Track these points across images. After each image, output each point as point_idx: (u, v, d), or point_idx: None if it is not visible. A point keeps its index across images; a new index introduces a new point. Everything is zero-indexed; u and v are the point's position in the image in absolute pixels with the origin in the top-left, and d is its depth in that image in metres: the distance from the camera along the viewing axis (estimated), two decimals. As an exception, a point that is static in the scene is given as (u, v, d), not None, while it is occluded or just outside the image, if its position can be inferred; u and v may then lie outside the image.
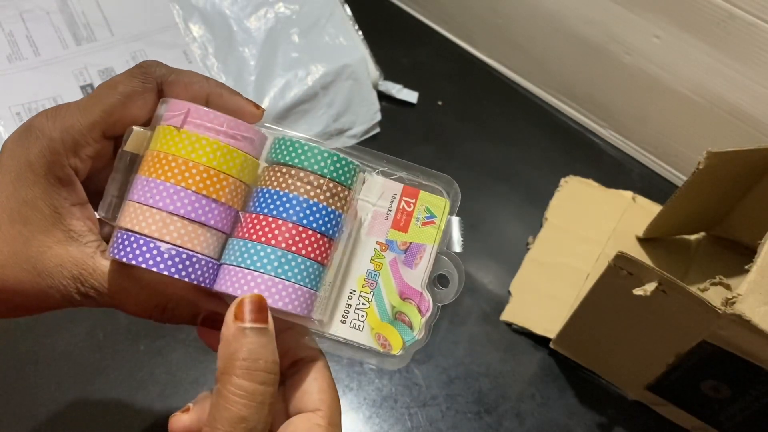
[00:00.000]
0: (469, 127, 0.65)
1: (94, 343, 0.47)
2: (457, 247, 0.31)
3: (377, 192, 0.31)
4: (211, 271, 0.27)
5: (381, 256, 0.30)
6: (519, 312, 0.53)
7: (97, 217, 0.28)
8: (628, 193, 0.60)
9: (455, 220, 0.31)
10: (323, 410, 0.28)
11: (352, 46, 0.62)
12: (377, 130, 0.63)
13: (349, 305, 0.30)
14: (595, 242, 0.57)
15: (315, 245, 0.28)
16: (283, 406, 0.29)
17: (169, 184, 0.26)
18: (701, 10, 0.54)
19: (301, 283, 0.27)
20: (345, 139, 0.61)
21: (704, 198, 0.51)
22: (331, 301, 0.30)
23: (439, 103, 0.67)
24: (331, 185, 0.28)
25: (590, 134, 0.67)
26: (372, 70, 0.63)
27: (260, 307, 0.26)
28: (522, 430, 0.48)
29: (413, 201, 0.31)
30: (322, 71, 0.59)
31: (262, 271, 0.27)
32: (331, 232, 0.28)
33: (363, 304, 0.30)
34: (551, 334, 0.51)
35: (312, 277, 0.28)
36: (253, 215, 0.28)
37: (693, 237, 0.58)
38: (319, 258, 0.28)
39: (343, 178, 0.28)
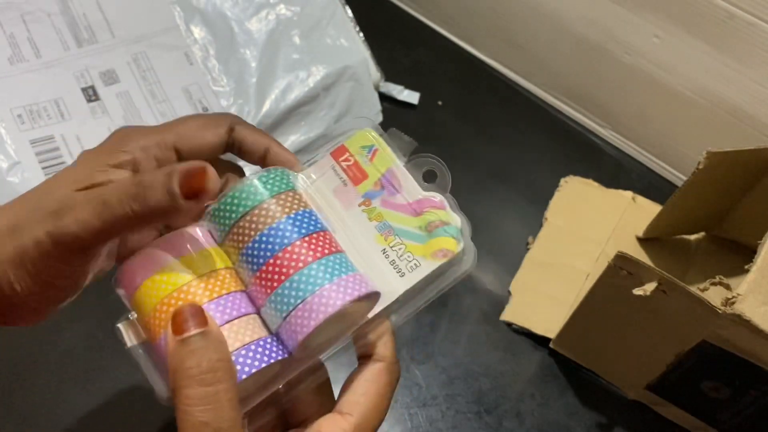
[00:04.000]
0: (470, 127, 0.65)
1: (94, 343, 0.48)
2: (411, 144, 0.31)
3: (322, 178, 0.31)
4: (275, 345, 0.27)
5: (372, 210, 0.31)
6: (519, 312, 0.53)
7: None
8: (628, 193, 0.60)
9: (391, 132, 0.31)
10: (355, 416, 0.28)
11: (353, 48, 0.62)
12: (378, 131, 0.63)
13: (392, 261, 0.30)
14: (595, 242, 0.57)
15: (321, 244, 0.28)
16: (318, 398, 0.29)
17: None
18: (701, 10, 0.54)
19: (345, 274, 0.27)
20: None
21: (704, 198, 0.51)
22: (376, 272, 0.29)
23: (440, 103, 0.67)
24: (281, 198, 0.28)
25: (590, 134, 0.67)
26: (373, 72, 0.63)
27: (194, 312, 0.25)
28: (522, 430, 0.48)
29: (347, 155, 0.31)
30: (323, 73, 0.59)
31: (310, 293, 0.27)
32: (319, 226, 0.28)
33: (399, 248, 0.30)
34: (551, 334, 0.51)
35: (346, 264, 0.28)
36: (258, 272, 0.27)
37: (693, 237, 0.58)
38: (335, 249, 0.28)
39: (284, 187, 0.29)
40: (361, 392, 0.28)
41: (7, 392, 0.45)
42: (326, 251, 0.28)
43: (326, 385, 0.30)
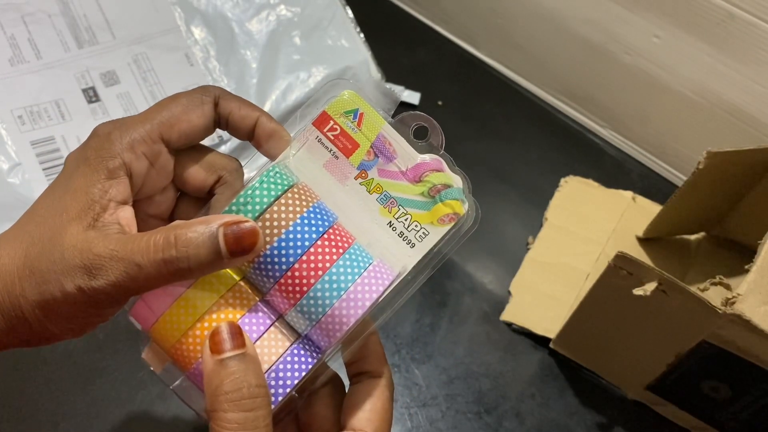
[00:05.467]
0: (469, 127, 0.66)
1: (94, 343, 0.48)
2: (391, 95, 0.30)
3: (310, 152, 0.29)
4: (303, 352, 0.27)
5: (370, 181, 0.30)
6: (519, 312, 0.53)
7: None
8: (628, 193, 0.60)
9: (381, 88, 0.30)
10: None
11: (354, 48, 0.62)
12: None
13: (401, 233, 0.29)
14: (595, 242, 0.57)
15: (336, 240, 0.28)
16: (336, 415, 0.29)
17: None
18: (701, 10, 0.54)
19: (366, 267, 0.27)
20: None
21: (704, 198, 0.51)
22: (387, 247, 0.29)
23: (440, 103, 0.67)
24: (287, 199, 0.27)
25: (590, 134, 0.67)
26: (374, 72, 0.63)
27: (233, 333, 0.25)
28: (522, 430, 0.48)
29: (332, 123, 0.29)
30: (324, 73, 0.59)
31: (337, 298, 0.27)
32: (330, 220, 0.28)
33: (405, 219, 0.29)
34: (551, 334, 0.51)
35: (363, 255, 0.28)
36: (279, 283, 0.27)
37: (693, 237, 0.58)
38: (349, 241, 0.28)
39: (285, 185, 0.28)
40: (369, 408, 0.29)
41: (8, 392, 0.45)
42: (345, 245, 0.28)
43: (341, 402, 0.31)
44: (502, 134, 0.66)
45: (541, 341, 0.52)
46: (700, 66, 0.57)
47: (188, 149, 0.30)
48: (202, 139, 0.30)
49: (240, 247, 0.25)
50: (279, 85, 0.58)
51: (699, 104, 0.59)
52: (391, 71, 0.65)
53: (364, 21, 0.64)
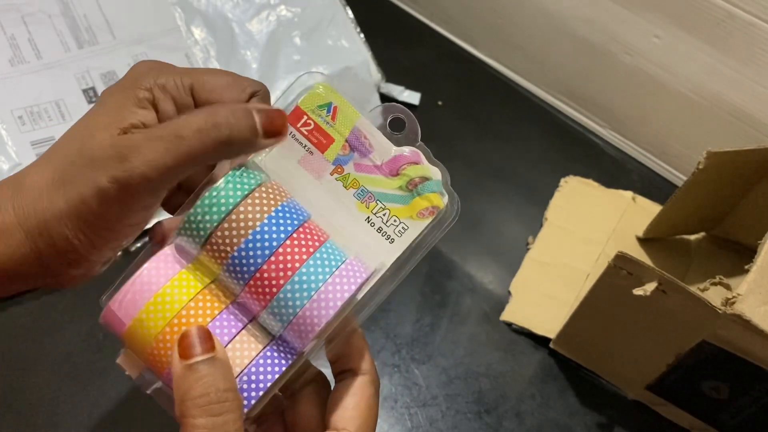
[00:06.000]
0: (469, 127, 0.66)
1: (94, 343, 0.48)
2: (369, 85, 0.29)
3: (284, 149, 0.29)
4: (276, 354, 0.27)
5: (347, 177, 0.29)
6: (519, 312, 0.53)
7: None
8: (628, 193, 0.60)
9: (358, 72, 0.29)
10: (351, 431, 0.28)
11: (354, 49, 0.62)
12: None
13: (379, 228, 0.29)
14: (595, 242, 0.57)
15: (308, 237, 0.27)
16: (321, 414, 0.29)
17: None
18: (701, 10, 0.54)
19: (340, 264, 0.27)
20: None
21: (704, 198, 0.51)
22: (365, 244, 0.29)
23: (440, 103, 0.67)
24: (255, 197, 0.26)
25: (590, 134, 0.67)
26: (374, 72, 0.63)
27: (202, 337, 0.25)
28: (522, 430, 0.48)
29: (305, 118, 0.29)
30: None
31: (308, 299, 0.26)
32: (302, 217, 0.27)
33: (383, 214, 0.29)
34: (551, 334, 0.51)
35: (337, 253, 0.27)
36: (250, 283, 0.26)
37: (693, 237, 0.58)
38: (322, 238, 0.27)
39: (253, 183, 0.27)
40: (352, 407, 0.28)
41: (7, 392, 0.45)
42: (315, 244, 0.27)
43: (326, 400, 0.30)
44: (502, 134, 0.66)
45: (541, 341, 0.52)
46: (700, 66, 0.57)
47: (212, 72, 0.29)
48: None
49: (272, 126, 0.26)
50: (279, 86, 0.58)
51: (699, 104, 0.59)
52: (391, 71, 0.65)
53: (364, 21, 0.64)
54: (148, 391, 0.28)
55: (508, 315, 0.53)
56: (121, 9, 0.57)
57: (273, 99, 0.30)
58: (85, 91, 0.54)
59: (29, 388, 0.46)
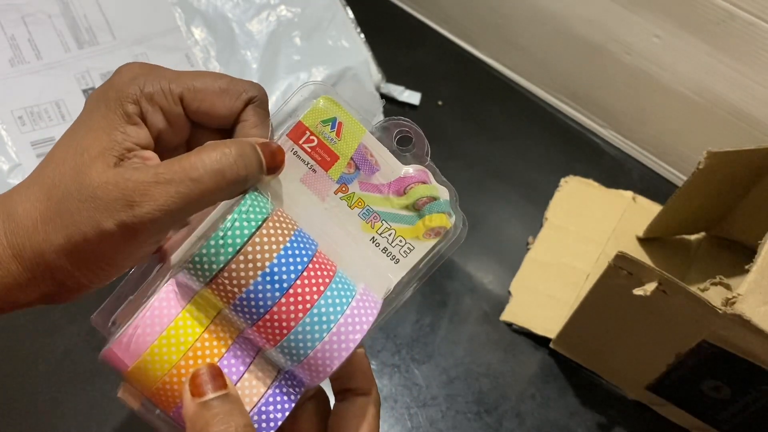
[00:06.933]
0: (469, 127, 0.66)
1: (94, 343, 0.48)
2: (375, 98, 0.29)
3: (286, 167, 0.27)
4: (286, 390, 0.26)
5: (351, 196, 0.28)
6: (519, 312, 0.53)
7: None
8: (628, 193, 0.60)
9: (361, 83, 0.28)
10: None
11: (354, 49, 0.62)
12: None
13: (384, 249, 0.28)
14: (595, 242, 0.57)
15: (319, 272, 0.26)
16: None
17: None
18: (701, 10, 0.54)
19: (351, 298, 0.26)
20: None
21: (704, 198, 0.51)
22: (370, 265, 0.28)
23: (440, 103, 0.67)
24: (270, 226, 0.25)
25: (590, 134, 0.67)
26: (374, 73, 0.63)
27: (213, 374, 0.25)
28: (522, 430, 0.48)
29: (308, 134, 0.27)
30: (324, 74, 0.59)
31: (320, 341, 0.25)
32: (311, 251, 0.26)
33: (389, 235, 0.28)
34: (551, 334, 0.51)
35: (347, 285, 0.26)
36: (260, 321, 0.25)
37: (693, 237, 0.58)
38: (332, 271, 0.27)
39: (260, 217, 0.25)
40: (355, 428, 0.28)
41: (8, 392, 0.45)
42: (326, 280, 0.26)
43: (326, 419, 0.30)
44: (502, 134, 0.66)
45: (541, 341, 0.52)
46: (700, 66, 0.57)
47: (204, 75, 0.28)
48: (219, 126, 0.28)
49: (274, 162, 0.26)
50: (279, 86, 0.58)
51: (699, 104, 0.59)
52: (391, 71, 0.65)
53: (364, 21, 0.64)
54: (152, 420, 0.27)
55: (508, 315, 0.53)
56: (121, 9, 0.57)
57: (271, 103, 0.29)
58: (85, 91, 0.54)
59: (29, 388, 0.46)
